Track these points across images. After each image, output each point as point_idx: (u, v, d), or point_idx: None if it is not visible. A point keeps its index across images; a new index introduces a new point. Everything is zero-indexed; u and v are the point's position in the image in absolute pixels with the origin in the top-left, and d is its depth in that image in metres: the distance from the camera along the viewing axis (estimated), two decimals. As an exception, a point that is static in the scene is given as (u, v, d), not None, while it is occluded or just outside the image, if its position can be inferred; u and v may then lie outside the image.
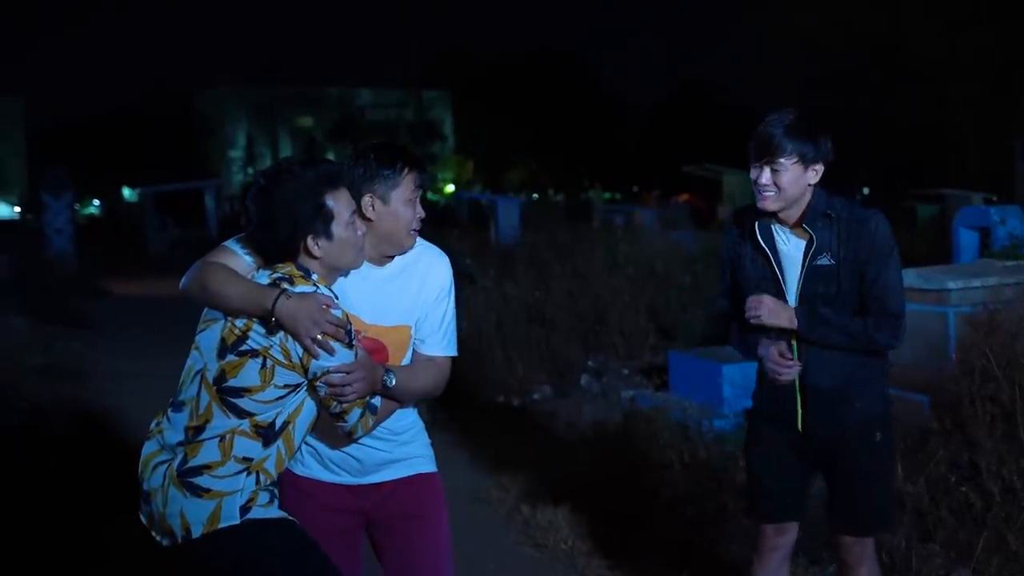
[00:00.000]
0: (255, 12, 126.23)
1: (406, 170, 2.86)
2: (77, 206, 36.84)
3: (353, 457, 2.94)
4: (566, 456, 6.27)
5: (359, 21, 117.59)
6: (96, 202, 59.14)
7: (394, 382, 2.80)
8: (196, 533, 2.58)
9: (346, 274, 2.82)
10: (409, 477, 3.00)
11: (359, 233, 2.72)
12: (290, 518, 2.71)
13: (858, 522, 3.30)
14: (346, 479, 2.97)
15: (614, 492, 5.41)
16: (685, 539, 4.80)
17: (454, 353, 3.01)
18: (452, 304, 3.00)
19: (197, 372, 2.70)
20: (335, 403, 2.64)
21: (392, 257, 2.92)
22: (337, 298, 2.64)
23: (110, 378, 9.25)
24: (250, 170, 57.36)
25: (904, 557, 4.22)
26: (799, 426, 3.27)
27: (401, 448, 2.99)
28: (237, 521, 2.58)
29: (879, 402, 3.25)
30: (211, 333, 2.69)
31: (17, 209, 58.68)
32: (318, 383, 2.59)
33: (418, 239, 2.96)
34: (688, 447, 5.91)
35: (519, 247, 13.98)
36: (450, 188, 60.41)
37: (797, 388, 3.25)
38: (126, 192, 58.36)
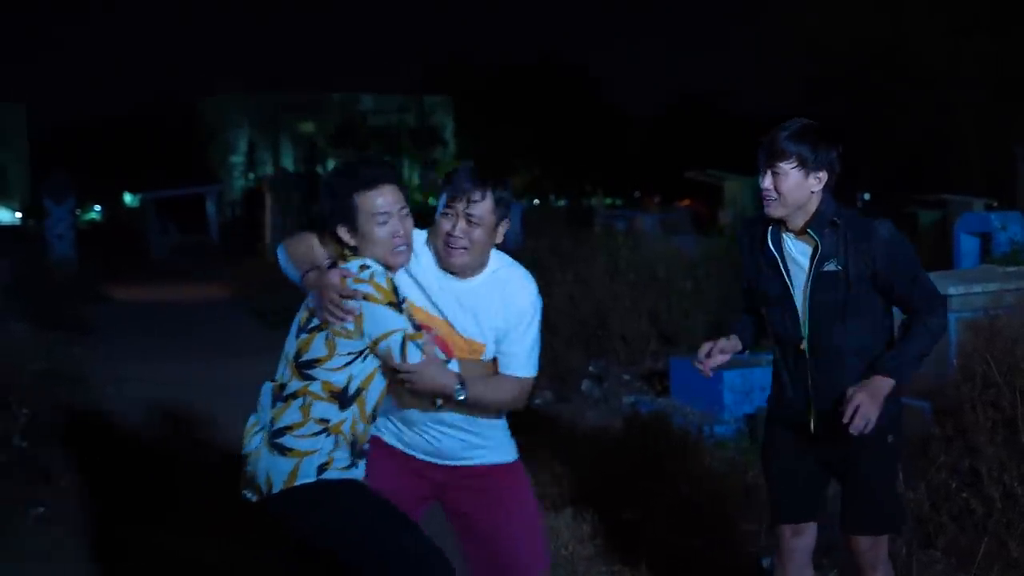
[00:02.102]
0: (257, 18, 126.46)
1: (444, 185, 3.09)
2: (79, 211, 36.85)
3: (433, 445, 3.13)
4: (567, 461, 6.27)
5: (361, 27, 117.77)
6: (98, 207, 59.17)
7: (463, 397, 2.95)
8: (276, 488, 2.90)
9: (410, 273, 3.07)
10: (486, 465, 3.18)
11: (386, 230, 2.95)
12: (364, 483, 2.96)
13: (874, 522, 3.34)
14: (426, 459, 3.16)
15: (615, 498, 5.40)
16: (686, 545, 4.79)
17: (533, 373, 3.13)
18: (536, 326, 3.13)
19: (285, 354, 3.04)
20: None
21: (469, 271, 3.07)
22: (391, 281, 2.91)
23: (111, 383, 9.25)
24: (251, 175, 57.38)
25: (905, 563, 4.22)
26: (811, 428, 3.31)
27: (478, 440, 3.15)
28: (312, 479, 2.88)
29: (891, 404, 3.25)
30: (295, 320, 3.05)
31: (19, 215, 58.71)
32: (383, 357, 2.89)
33: (506, 258, 3.15)
34: (689, 453, 5.91)
35: (520, 252, 13.98)
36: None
37: (808, 393, 3.29)
38: (127, 197, 58.40)
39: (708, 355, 3.46)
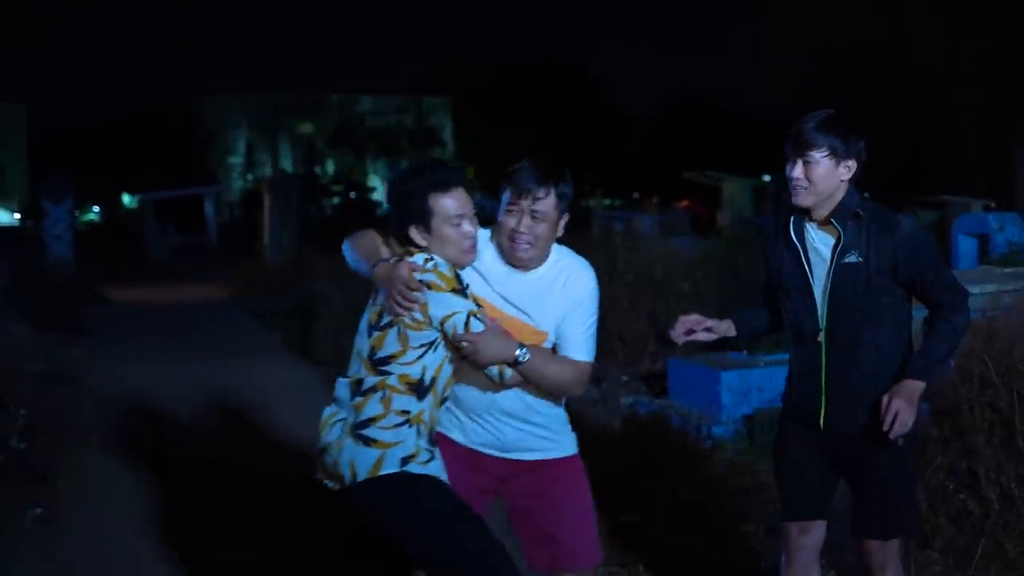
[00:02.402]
0: (255, 19, 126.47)
1: (507, 184, 3.19)
2: (77, 212, 36.81)
3: (495, 438, 3.24)
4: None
5: (359, 28, 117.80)
6: (96, 208, 59.13)
7: (527, 357, 3.07)
8: (361, 477, 3.03)
9: (475, 268, 3.20)
10: (546, 460, 3.28)
11: (459, 232, 3.08)
12: (442, 480, 3.08)
13: (883, 525, 3.33)
14: (485, 451, 3.26)
15: (613, 498, 5.40)
16: (684, 547, 4.79)
17: (590, 358, 3.24)
18: (593, 313, 3.25)
19: (358, 351, 3.16)
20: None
21: (531, 263, 3.20)
22: (458, 276, 3.06)
23: (109, 384, 9.26)
24: (250, 176, 57.33)
25: (902, 564, 4.21)
26: (821, 424, 3.31)
27: (538, 431, 3.26)
28: (396, 470, 3.02)
29: None
30: (364, 318, 3.16)
31: (17, 215, 58.66)
32: (450, 335, 3.02)
33: (565, 250, 3.27)
34: (687, 454, 5.91)
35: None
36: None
37: (823, 386, 3.30)
38: (126, 198, 58.35)
39: (690, 330, 3.52)
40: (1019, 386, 4.50)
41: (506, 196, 3.19)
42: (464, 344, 3.01)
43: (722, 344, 8.52)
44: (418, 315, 3.01)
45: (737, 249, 11.68)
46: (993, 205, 18.85)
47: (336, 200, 51.62)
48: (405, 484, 3.03)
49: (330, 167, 61.84)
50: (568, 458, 3.34)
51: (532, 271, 3.22)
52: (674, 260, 10.87)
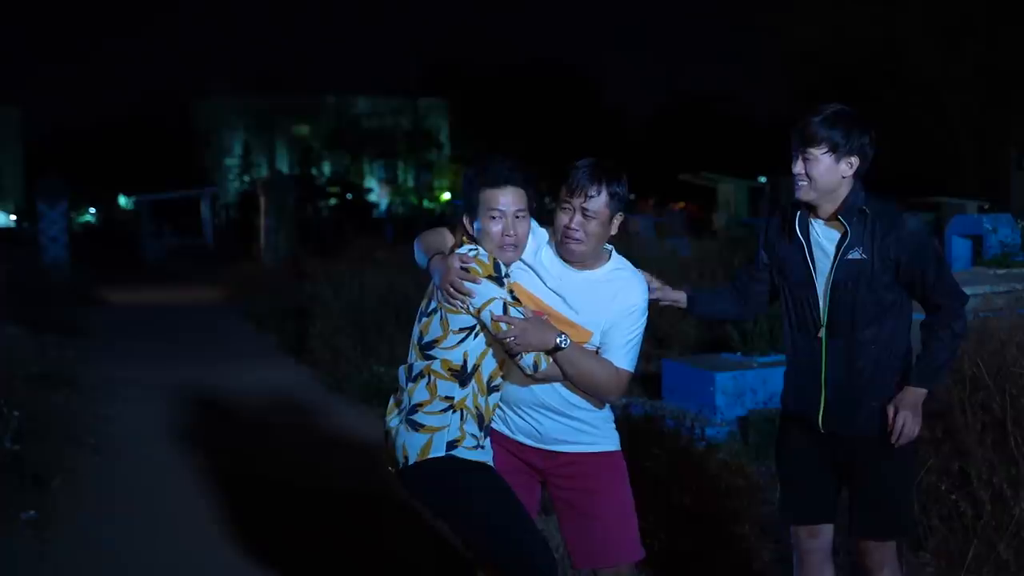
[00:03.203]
0: (252, 20, 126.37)
1: (563, 182, 3.29)
2: (72, 214, 36.78)
3: (535, 428, 3.33)
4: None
5: (356, 29, 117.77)
6: (92, 210, 59.06)
7: (568, 343, 3.15)
8: (411, 460, 3.16)
9: (528, 263, 3.30)
10: (586, 453, 3.34)
11: (496, 227, 3.19)
12: (490, 467, 3.21)
13: (882, 526, 3.34)
14: (527, 442, 3.36)
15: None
16: (677, 549, 4.79)
17: (631, 368, 3.28)
18: (641, 325, 3.30)
19: (412, 339, 3.31)
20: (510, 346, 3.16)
21: (589, 263, 3.30)
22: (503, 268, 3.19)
23: (104, 386, 9.25)
24: (246, 178, 57.28)
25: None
26: (820, 424, 3.32)
27: (577, 426, 3.33)
28: (443, 454, 3.14)
29: None
30: (421, 305, 3.31)
31: (13, 217, 58.59)
32: (490, 330, 3.12)
33: (621, 259, 3.39)
34: (681, 455, 5.90)
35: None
36: (446, 196, 60.44)
37: (822, 382, 3.30)
38: (122, 200, 58.30)
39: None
40: (1011, 387, 4.51)
41: (562, 192, 3.31)
42: (503, 326, 3.09)
43: (716, 345, 8.56)
44: (475, 301, 3.11)
45: (732, 250, 11.70)
46: (987, 206, 18.88)
47: (332, 201, 51.66)
48: (451, 467, 3.15)
49: (326, 169, 61.84)
50: (609, 453, 3.41)
51: (588, 271, 3.31)
52: (670, 261, 10.89)
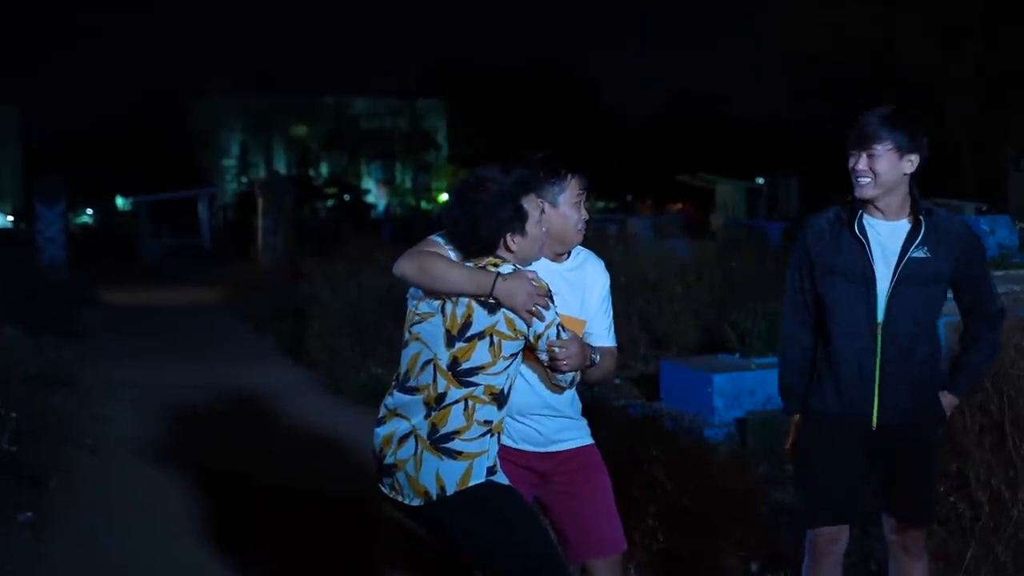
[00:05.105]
0: (250, 21, 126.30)
1: (570, 176, 3.32)
2: (70, 215, 36.75)
3: (536, 431, 3.37)
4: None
5: (354, 30, 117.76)
6: (89, 211, 59.01)
7: (599, 359, 3.27)
8: (450, 490, 2.99)
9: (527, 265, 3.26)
10: (578, 448, 3.44)
11: (543, 230, 3.15)
12: (516, 491, 3.13)
13: (929, 515, 3.51)
14: (528, 448, 3.39)
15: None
16: (675, 551, 4.80)
17: (615, 344, 3.47)
18: (610, 303, 3.48)
19: (427, 362, 3.07)
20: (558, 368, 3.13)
21: (562, 255, 3.39)
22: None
23: (102, 386, 9.24)
24: (244, 179, 57.26)
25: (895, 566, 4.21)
26: (874, 421, 3.35)
27: (573, 423, 3.43)
28: (483, 480, 3.02)
29: (939, 403, 3.42)
30: (431, 327, 3.07)
31: (10, 218, 58.55)
32: (540, 352, 3.08)
33: (579, 246, 3.45)
34: (679, 457, 5.90)
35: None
36: (444, 197, 60.43)
37: (876, 379, 3.32)
38: (119, 201, 58.25)
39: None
40: (1009, 389, 4.51)
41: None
42: (556, 350, 3.06)
43: (714, 347, 8.56)
44: (520, 326, 3.03)
45: (730, 251, 11.70)
46: (985, 208, 18.88)
47: (330, 202, 51.69)
48: (492, 493, 3.05)
49: (324, 169, 61.84)
50: (592, 447, 3.49)
51: (562, 263, 3.40)
52: (667, 262, 10.88)
